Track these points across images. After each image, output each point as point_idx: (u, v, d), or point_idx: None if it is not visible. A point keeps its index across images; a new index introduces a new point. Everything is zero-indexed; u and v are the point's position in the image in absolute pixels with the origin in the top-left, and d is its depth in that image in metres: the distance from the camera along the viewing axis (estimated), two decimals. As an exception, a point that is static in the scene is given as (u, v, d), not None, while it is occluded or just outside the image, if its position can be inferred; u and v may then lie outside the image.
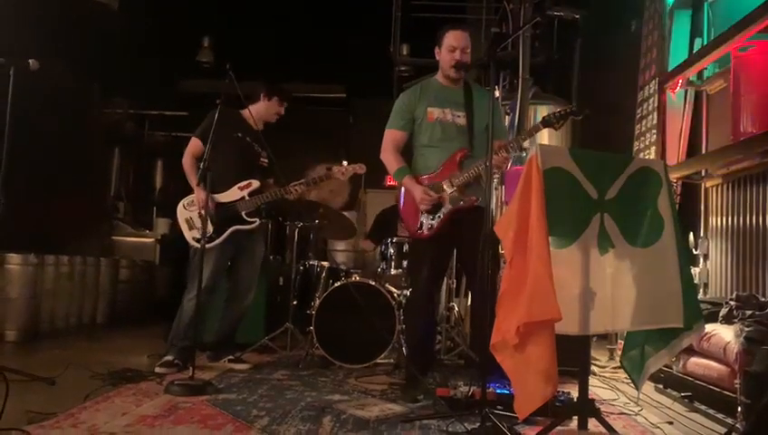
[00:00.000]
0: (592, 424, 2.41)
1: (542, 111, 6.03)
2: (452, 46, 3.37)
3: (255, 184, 3.95)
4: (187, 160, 3.97)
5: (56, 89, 5.99)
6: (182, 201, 3.97)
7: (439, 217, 3.30)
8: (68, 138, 6.42)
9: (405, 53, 8.04)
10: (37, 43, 5.22)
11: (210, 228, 3.84)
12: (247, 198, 3.94)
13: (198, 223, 3.86)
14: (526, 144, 3.47)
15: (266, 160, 4.07)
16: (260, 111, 4.11)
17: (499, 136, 3.35)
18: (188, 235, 3.93)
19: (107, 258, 6.37)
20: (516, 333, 2.12)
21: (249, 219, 3.93)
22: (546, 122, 3.10)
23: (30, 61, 3.25)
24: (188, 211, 3.92)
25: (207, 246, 3.79)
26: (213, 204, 3.83)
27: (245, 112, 4.05)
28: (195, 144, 3.98)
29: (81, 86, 6.96)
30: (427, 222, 3.31)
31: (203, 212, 3.79)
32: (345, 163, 4.09)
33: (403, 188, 3.44)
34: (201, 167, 3.63)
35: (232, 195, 3.93)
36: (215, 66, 8.64)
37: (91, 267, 5.90)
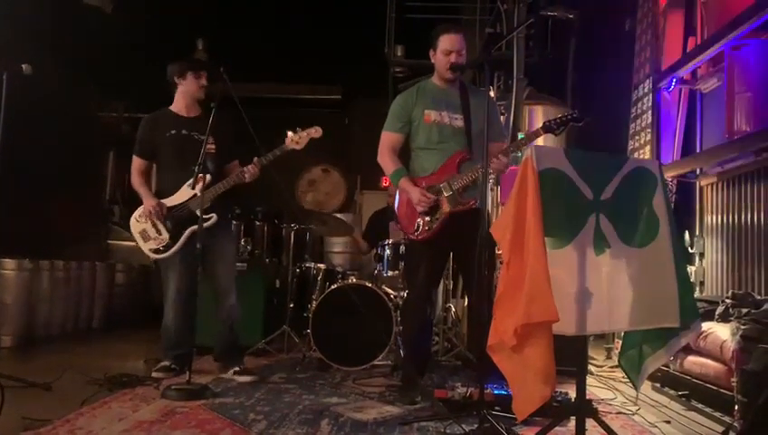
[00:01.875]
0: (590, 424, 2.41)
1: (538, 112, 6.04)
2: (447, 50, 3.35)
3: (208, 177, 3.64)
4: (134, 180, 3.86)
5: (51, 92, 5.97)
6: (134, 214, 3.82)
7: (437, 219, 3.28)
8: (63, 141, 6.40)
9: (399, 54, 8.04)
10: (31, 47, 5.20)
11: (165, 236, 3.71)
12: (199, 194, 3.64)
13: (153, 233, 3.73)
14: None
15: (213, 146, 3.70)
16: (185, 95, 3.86)
17: (497, 138, 3.35)
18: (145, 247, 3.76)
19: (103, 263, 6.34)
20: (514, 335, 2.12)
21: (204, 217, 3.59)
22: (547, 128, 3.11)
23: (23, 66, 3.24)
24: (141, 223, 3.76)
25: (165, 255, 3.72)
26: (163, 210, 3.70)
27: (174, 105, 3.89)
28: (136, 162, 3.87)
29: (76, 90, 6.94)
30: (424, 225, 3.30)
31: (155, 220, 3.70)
32: (299, 129, 3.74)
33: (399, 190, 3.43)
34: (195, 170, 3.56)
35: (182, 195, 3.73)
36: (209, 69, 8.62)
37: (87, 272, 5.88)
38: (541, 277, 2.07)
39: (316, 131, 3.76)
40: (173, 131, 3.81)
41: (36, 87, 4.52)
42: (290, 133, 3.73)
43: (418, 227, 3.31)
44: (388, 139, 3.48)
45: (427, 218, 3.29)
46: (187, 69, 3.86)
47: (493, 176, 5.05)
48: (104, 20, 6.92)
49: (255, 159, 3.70)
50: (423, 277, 3.40)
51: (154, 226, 3.73)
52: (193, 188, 3.66)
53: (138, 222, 3.78)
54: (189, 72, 3.85)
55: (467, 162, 3.32)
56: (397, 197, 3.47)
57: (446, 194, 3.28)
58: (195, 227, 3.67)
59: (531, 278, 2.08)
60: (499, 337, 2.21)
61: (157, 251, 3.74)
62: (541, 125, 3.16)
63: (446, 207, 3.28)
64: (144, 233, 3.76)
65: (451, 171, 3.31)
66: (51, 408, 2.81)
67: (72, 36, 6.33)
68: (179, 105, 3.89)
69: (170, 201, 3.75)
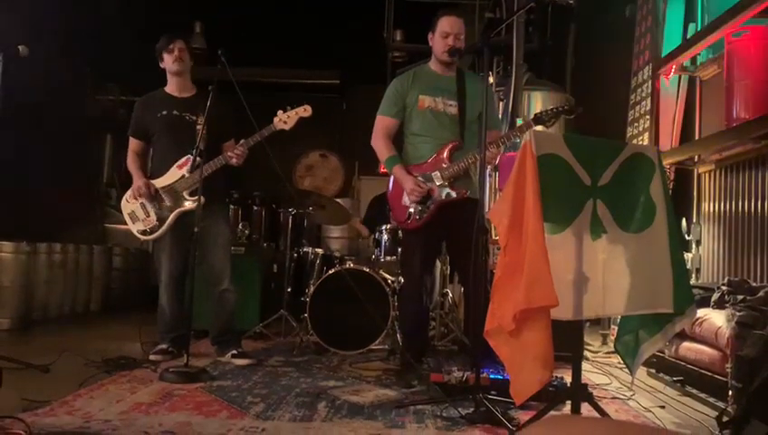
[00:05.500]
0: (585, 409, 2.43)
1: (536, 97, 6.02)
2: (445, 32, 3.35)
3: (198, 159, 3.55)
4: (128, 160, 3.85)
5: (47, 75, 5.94)
6: (125, 195, 3.80)
7: (428, 208, 3.30)
8: (60, 124, 6.37)
9: (399, 38, 7.99)
10: (27, 29, 5.16)
11: (153, 218, 3.70)
12: (187, 175, 3.64)
13: (142, 214, 3.72)
14: (520, 133, 3.47)
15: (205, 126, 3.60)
16: (169, 74, 3.83)
17: (491, 126, 3.34)
18: (133, 228, 3.75)
19: (100, 246, 6.35)
20: (513, 320, 2.13)
21: (191, 199, 3.61)
22: (538, 120, 3.12)
23: (20, 47, 3.23)
24: (131, 204, 3.75)
25: (153, 236, 3.72)
26: (151, 190, 3.68)
27: (168, 86, 3.87)
28: (132, 143, 3.86)
29: (72, 73, 6.90)
30: (415, 213, 3.31)
31: (144, 201, 3.69)
32: (288, 108, 3.66)
33: (392, 177, 3.42)
34: (192, 154, 3.55)
35: (171, 176, 3.71)
36: (207, 53, 8.56)
37: (84, 255, 5.89)
38: (540, 262, 2.08)
39: (305, 110, 3.69)
40: (164, 112, 3.80)
41: (33, 69, 4.49)
42: (279, 112, 3.67)
43: (410, 215, 3.32)
44: (383, 123, 3.47)
45: (419, 207, 3.29)
46: (160, 49, 3.80)
47: (489, 166, 5.05)
48: (101, 2, 6.87)
49: (242, 140, 3.66)
50: (417, 265, 3.41)
51: (143, 207, 3.72)
52: (190, 171, 3.64)
53: (128, 203, 3.78)
54: (163, 52, 3.80)
55: (459, 151, 3.32)
56: (390, 184, 3.47)
57: (437, 183, 3.29)
58: (182, 208, 3.68)
59: (530, 263, 2.09)
60: (497, 322, 2.22)
61: (144, 232, 3.74)
62: (531, 117, 3.18)
63: (437, 197, 3.29)
64: (133, 214, 3.75)
65: (443, 160, 3.32)
66: (49, 390, 2.83)
67: (67, 19, 6.28)
68: (171, 86, 3.88)
69: (160, 182, 3.73)
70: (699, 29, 4.55)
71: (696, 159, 4.50)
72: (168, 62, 3.81)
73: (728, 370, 2.68)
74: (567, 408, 2.56)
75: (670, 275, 2.36)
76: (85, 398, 2.76)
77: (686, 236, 4.41)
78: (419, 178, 3.29)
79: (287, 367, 3.68)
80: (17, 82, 3.57)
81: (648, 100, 4.86)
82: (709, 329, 3.00)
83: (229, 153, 3.64)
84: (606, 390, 3.30)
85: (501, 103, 6.00)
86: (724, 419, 2.45)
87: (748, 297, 2.93)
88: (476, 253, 2.72)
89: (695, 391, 3.13)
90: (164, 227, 3.70)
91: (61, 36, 6.14)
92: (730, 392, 2.62)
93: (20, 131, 5.51)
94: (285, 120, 3.66)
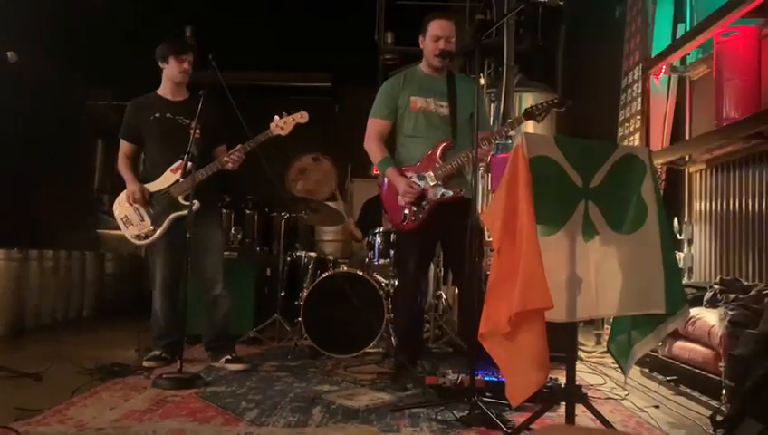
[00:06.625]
0: (580, 410, 2.43)
1: (527, 99, 6.04)
2: (436, 36, 3.35)
3: (189, 164, 3.54)
4: (119, 164, 3.82)
5: (37, 80, 5.90)
6: (117, 199, 3.77)
7: (423, 208, 3.29)
8: (50, 130, 6.33)
9: (390, 41, 7.99)
10: (17, 33, 5.13)
11: (147, 222, 3.68)
12: (181, 180, 3.62)
13: (135, 219, 3.69)
14: (511, 132, 3.48)
15: (198, 131, 3.55)
16: (167, 79, 3.83)
17: (482, 128, 3.35)
18: (127, 233, 3.72)
19: (92, 252, 6.32)
20: (508, 323, 2.13)
21: (186, 203, 3.57)
22: (528, 114, 3.13)
23: (8, 53, 3.20)
24: (123, 208, 3.72)
25: (147, 241, 3.70)
26: (145, 195, 3.67)
27: (161, 89, 3.86)
28: (123, 145, 3.84)
29: (63, 77, 6.86)
30: (411, 214, 3.31)
31: (138, 206, 3.67)
32: (284, 114, 3.65)
33: (386, 179, 3.42)
34: (183, 158, 3.53)
35: (165, 181, 3.69)
36: (198, 56, 8.53)
37: (77, 261, 5.86)
38: (535, 264, 2.08)
39: (302, 116, 3.69)
40: (157, 115, 3.78)
41: (22, 74, 4.45)
42: (275, 118, 3.67)
43: (405, 217, 3.32)
44: (375, 125, 3.47)
45: (414, 208, 3.29)
46: (169, 53, 3.79)
47: (483, 164, 5.06)
48: (91, 6, 6.84)
49: (239, 145, 3.65)
50: (412, 267, 3.41)
51: (137, 211, 3.70)
52: (182, 176, 3.63)
53: (120, 207, 3.75)
54: (171, 57, 3.79)
55: (451, 151, 3.32)
56: (384, 186, 3.47)
57: (431, 183, 3.28)
58: (177, 213, 3.66)
59: (525, 266, 2.09)
60: (492, 325, 2.22)
61: (138, 237, 3.71)
62: (522, 112, 3.19)
63: (431, 197, 3.29)
64: (126, 219, 3.72)
65: (436, 160, 3.32)
66: (41, 398, 2.81)
67: (58, 23, 6.25)
68: (165, 89, 3.86)
69: (153, 186, 3.71)
70: (689, 29, 4.57)
71: (686, 159, 4.53)
72: (174, 69, 3.79)
73: (722, 369, 2.70)
74: (562, 409, 2.56)
75: (662, 275, 2.37)
76: (78, 406, 2.75)
77: (677, 235, 4.43)
78: (413, 179, 3.30)
79: (281, 372, 3.67)
80: (6, 87, 3.55)
81: (639, 100, 4.89)
82: (702, 328, 3.02)
83: (225, 158, 3.64)
84: (600, 390, 3.31)
85: (492, 105, 6.01)
86: (718, 418, 2.46)
87: (740, 296, 2.96)
88: (471, 253, 2.72)
89: (688, 390, 3.15)
90: (158, 232, 3.68)
91: (51, 40, 6.11)
92: (723, 391, 2.64)
93: (9, 137, 5.48)
94: (282, 125, 3.65)
